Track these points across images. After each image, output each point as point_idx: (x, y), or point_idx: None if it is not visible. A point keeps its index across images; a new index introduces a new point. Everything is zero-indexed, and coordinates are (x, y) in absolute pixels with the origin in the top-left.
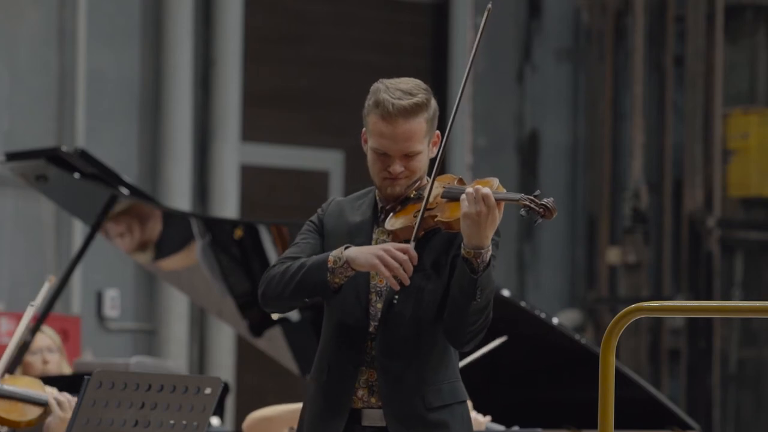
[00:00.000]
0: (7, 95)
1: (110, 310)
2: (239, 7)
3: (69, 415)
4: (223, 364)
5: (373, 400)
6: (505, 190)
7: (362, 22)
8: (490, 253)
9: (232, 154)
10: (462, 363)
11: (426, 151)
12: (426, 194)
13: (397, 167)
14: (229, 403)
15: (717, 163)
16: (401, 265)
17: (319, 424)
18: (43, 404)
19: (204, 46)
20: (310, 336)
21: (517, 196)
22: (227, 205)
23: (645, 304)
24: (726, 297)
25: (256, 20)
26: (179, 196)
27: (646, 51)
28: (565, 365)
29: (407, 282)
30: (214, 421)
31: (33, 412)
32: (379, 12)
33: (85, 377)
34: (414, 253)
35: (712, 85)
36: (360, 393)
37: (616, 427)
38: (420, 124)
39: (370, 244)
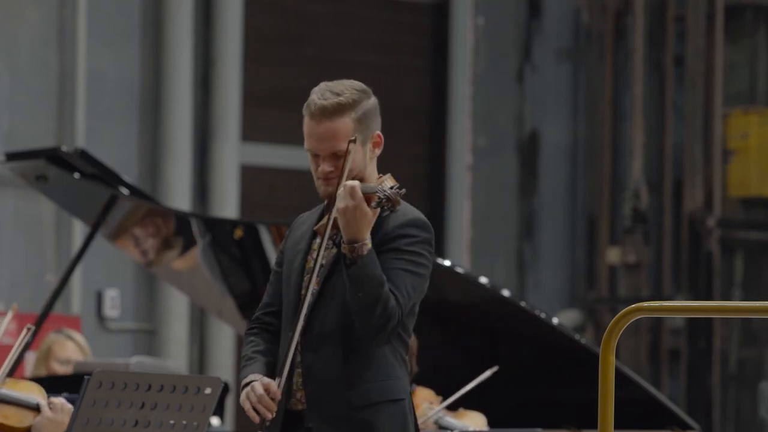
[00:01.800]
0: (7, 95)
1: (110, 310)
2: (239, 7)
3: (58, 416)
4: (223, 364)
5: (297, 400)
6: (389, 185)
7: (362, 22)
8: (367, 247)
9: (232, 154)
10: (453, 398)
11: (359, 150)
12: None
13: (326, 167)
14: (229, 403)
15: (717, 163)
16: (259, 400)
17: (265, 429)
18: (36, 409)
19: (204, 46)
20: None
21: (375, 188)
22: (227, 205)
23: (645, 304)
24: (726, 297)
25: (256, 20)
26: (179, 196)
27: (646, 51)
28: (565, 365)
29: (266, 416)
30: (214, 421)
31: (29, 418)
32: (379, 12)
33: (85, 377)
34: (274, 389)
35: (712, 85)
36: (299, 394)
37: (616, 427)
38: (344, 123)
39: (307, 250)
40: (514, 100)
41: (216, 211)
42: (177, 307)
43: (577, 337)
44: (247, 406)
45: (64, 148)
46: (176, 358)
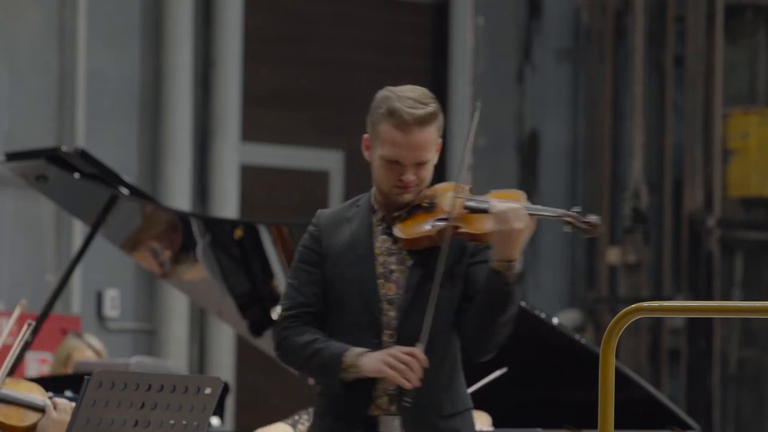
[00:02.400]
0: (7, 95)
1: (110, 310)
2: (239, 7)
3: (63, 417)
4: (223, 364)
5: (393, 407)
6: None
7: (362, 22)
8: (519, 264)
9: (232, 154)
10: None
11: (434, 159)
12: (451, 205)
13: (410, 176)
14: (229, 403)
15: (717, 163)
16: (408, 366)
17: (341, 425)
18: (41, 409)
19: (204, 46)
20: None
21: (558, 212)
22: (227, 205)
23: (645, 304)
24: (726, 297)
25: (256, 20)
26: (179, 196)
27: (646, 51)
28: (565, 365)
29: (416, 383)
30: (214, 421)
31: (32, 417)
32: (379, 12)
33: (85, 377)
34: (421, 354)
35: (712, 85)
36: (379, 401)
37: (616, 427)
38: (432, 133)
39: (372, 254)
40: (514, 100)
41: (216, 211)
42: (177, 307)
43: (577, 337)
44: (390, 372)
45: (64, 148)
46: (176, 358)
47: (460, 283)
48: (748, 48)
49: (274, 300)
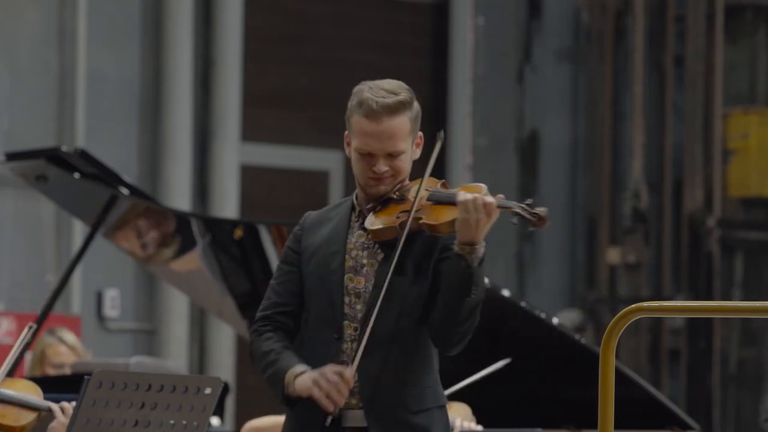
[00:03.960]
0: (7, 95)
1: (110, 310)
2: (239, 7)
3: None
4: (223, 364)
5: (353, 401)
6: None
7: (362, 22)
8: (483, 249)
9: (232, 154)
10: (463, 383)
11: (409, 151)
12: (415, 196)
13: (382, 166)
14: (229, 403)
15: (717, 163)
16: (334, 386)
17: (299, 429)
18: (38, 410)
19: (204, 46)
20: None
21: (513, 204)
22: (227, 205)
23: (645, 304)
24: (726, 297)
25: (256, 20)
26: (179, 196)
27: (646, 51)
28: (565, 365)
29: (340, 404)
30: (214, 421)
31: (26, 417)
32: (379, 12)
33: (85, 377)
34: (348, 376)
35: (712, 85)
36: (352, 398)
37: (616, 427)
38: (404, 122)
39: (343, 249)
40: (514, 100)
41: (216, 211)
42: (177, 307)
43: (577, 337)
44: (317, 393)
45: (64, 148)
46: (176, 358)
47: (427, 280)
48: (748, 48)
49: None
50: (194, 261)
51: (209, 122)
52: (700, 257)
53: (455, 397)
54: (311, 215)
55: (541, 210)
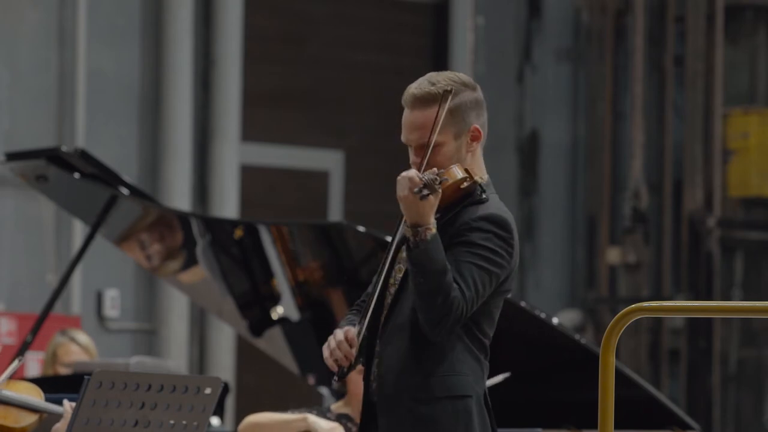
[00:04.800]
0: (7, 95)
1: (110, 310)
2: (239, 7)
3: None
4: (223, 364)
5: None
6: (458, 176)
7: (362, 22)
8: (431, 232)
9: (232, 154)
10: None
11: (451, 144)
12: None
13: (413, 157)
14: (229, 403)
15: (717, 163)
16: (338, 346)
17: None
18: (39, 411)
19: (204, 45)
20: (309, 336)
21: (424, 175)
22: (227, 205)
23: (645, 304)
24: (726, 297)
25: (256, 20)
26: (179, 196)
27: (646, 51)
28: (565, 365)
29: (343, 363)
30: (214, 421)
31: (28, 419)
32: (379, 12)
33: (85, 377)
34: (352, 335)
35: (712, 85)
36: (375, 385)
37: (616, 427)
38: (431, 114)
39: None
40: (514, 100)
41: (216, 211)
42: (177, 307)
43: (577, 337)
44: (325, 354)
45: (64, 148)
46: (176, 358)
47: None
48: (748, 48)
49: (274, 300)
50: (199, 273)
51: (209, 122)
52: (700, 257)
53: None
54: None
55: (426, 177)
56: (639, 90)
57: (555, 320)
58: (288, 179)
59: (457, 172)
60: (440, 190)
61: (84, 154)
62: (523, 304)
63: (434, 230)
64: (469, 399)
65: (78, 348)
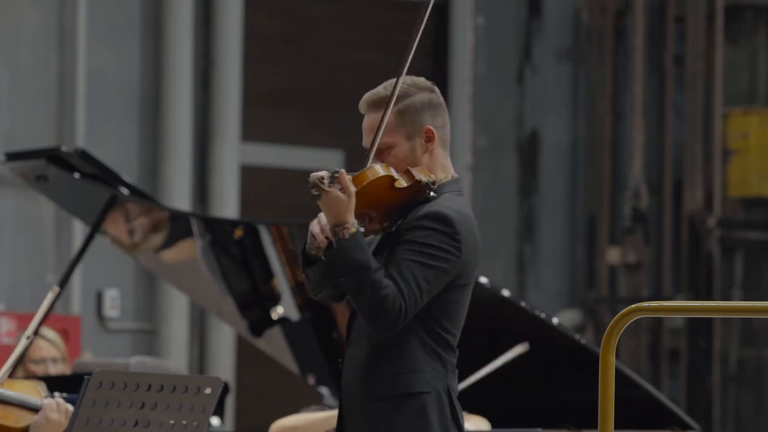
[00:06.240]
0: (7, 95)
1: (110, 310)
2: (239, 7)
3: (54, 416)
4: (223, 364)
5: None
6: (378, 174)
7: (362, 22)
8: (349, 231)
9: (232, 154)
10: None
11: (403, 144)
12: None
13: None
14: (229, 403)
15: (717, 163)
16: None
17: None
18: (38, 410)
19: (204, 45)
20: (310, 336)
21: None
22: (227, 205)
23: (645, 304)
24: (726, 297)
25: (256, 20)
26: (179, 196)
27: (646, 51)
28: (565, 365)
29: (321, 239)
30: (214, 421)
31: (28, 419)
32: (379, 12)
33: (85, 377)
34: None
35: (712, 85)
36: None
37: (616, 427)
38: (379, 116)
39: None
40: (514, 100)
41: (216, 211)
42: (177, 307)
43: (577, 337)
44: (315, 229)
45: (64, 148)
46: (176, 358)
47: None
48: (748, 48)
49: (274, 300)
50: (185, 251)
51: (209, 122)
52: (700, 257)
53: (462, 394)
54: None
55: (332, 175)
56: (639, 90)
57: (555, 320)
58: (288, 179)
59: (378, 171)
60: (331, 190)
61: (84, 154)
62: (523, 304)
63: (353, 229)
64: (425, 395)
65: (46, 343)
